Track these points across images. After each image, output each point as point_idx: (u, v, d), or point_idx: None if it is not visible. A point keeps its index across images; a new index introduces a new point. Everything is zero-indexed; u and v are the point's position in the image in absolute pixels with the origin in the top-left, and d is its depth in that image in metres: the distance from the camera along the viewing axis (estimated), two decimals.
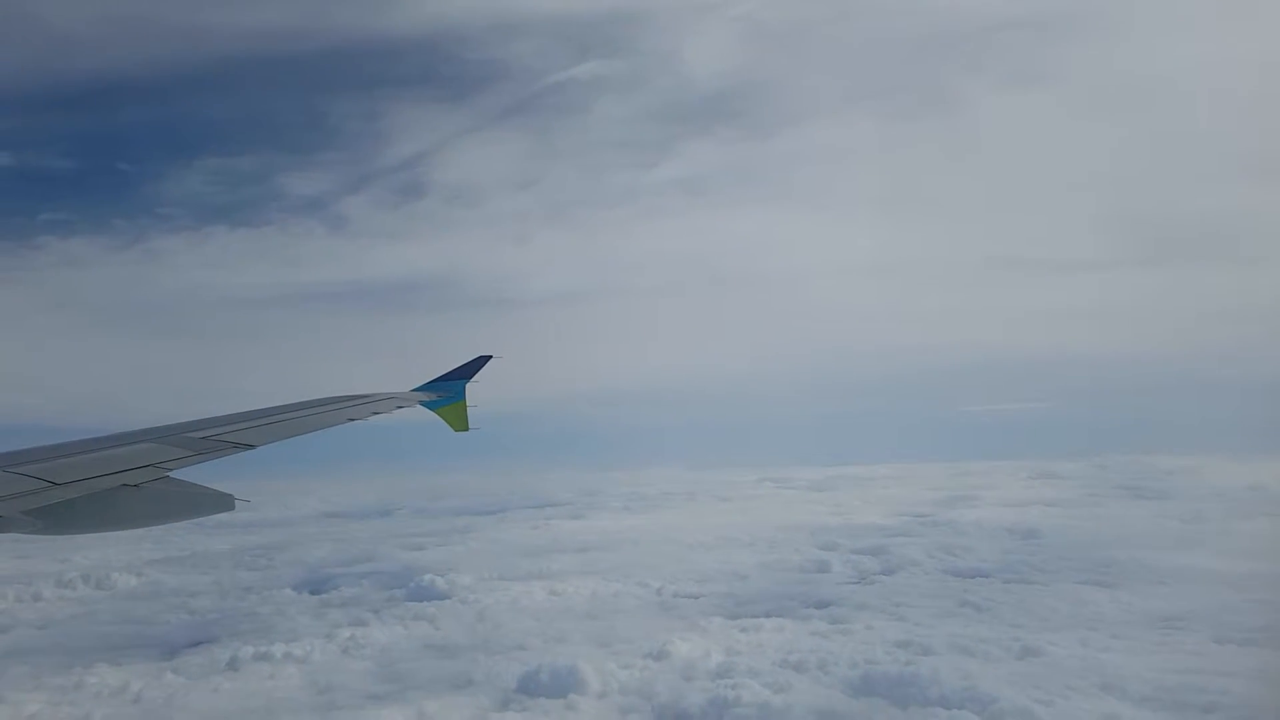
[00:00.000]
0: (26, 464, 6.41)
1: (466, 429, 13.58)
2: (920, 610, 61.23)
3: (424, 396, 13.14)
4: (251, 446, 7.74)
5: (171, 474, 6.65)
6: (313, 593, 78.10)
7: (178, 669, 54.82)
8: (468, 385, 13.85)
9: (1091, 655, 48.43)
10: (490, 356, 14.16)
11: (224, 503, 6.52)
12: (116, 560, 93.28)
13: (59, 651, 61.01)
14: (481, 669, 52.04)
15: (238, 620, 69.21)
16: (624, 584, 75.50)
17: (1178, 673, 45.30)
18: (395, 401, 11.60)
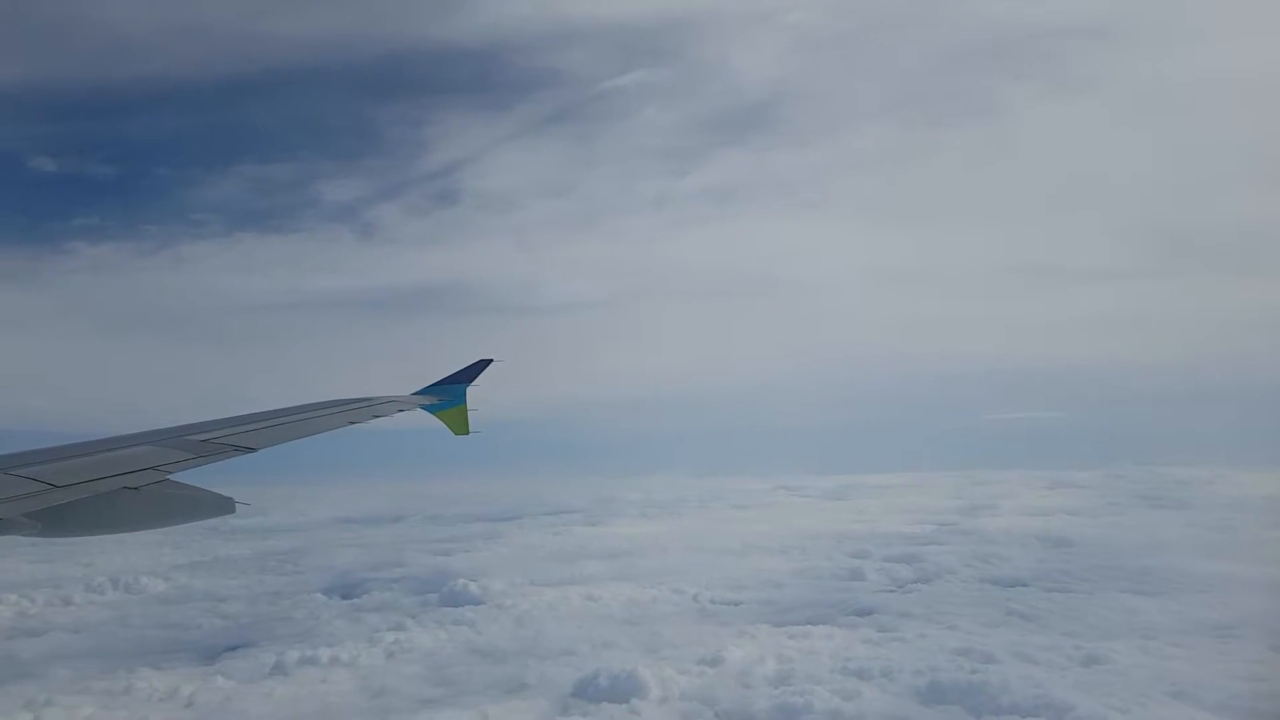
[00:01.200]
0: (27, 466, 6.32)
1: (467, 432, 13.47)
2: (967, 619, 60.84)
3: (425, 400, 13.04)
4: (252, 449, 7.66)
5: (172, 477, 6.56)
6: (343, 597, 77.67)
7: (221, 673, 54.32)
8: (469, 389, 13.74)
9: (1156, 663, 48.03)
10: (491, 360, 14.05)
11: (224, 505, 6.47)
12: (140, 565, 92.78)
13: (98, 655, 60.55)
14: (533, 674, 51.61)
15: (273, 624, 68.74)
16: (659, 590, 75.04)
17: (1245, 680, 44.92)
18: (396, 405, 11.50)
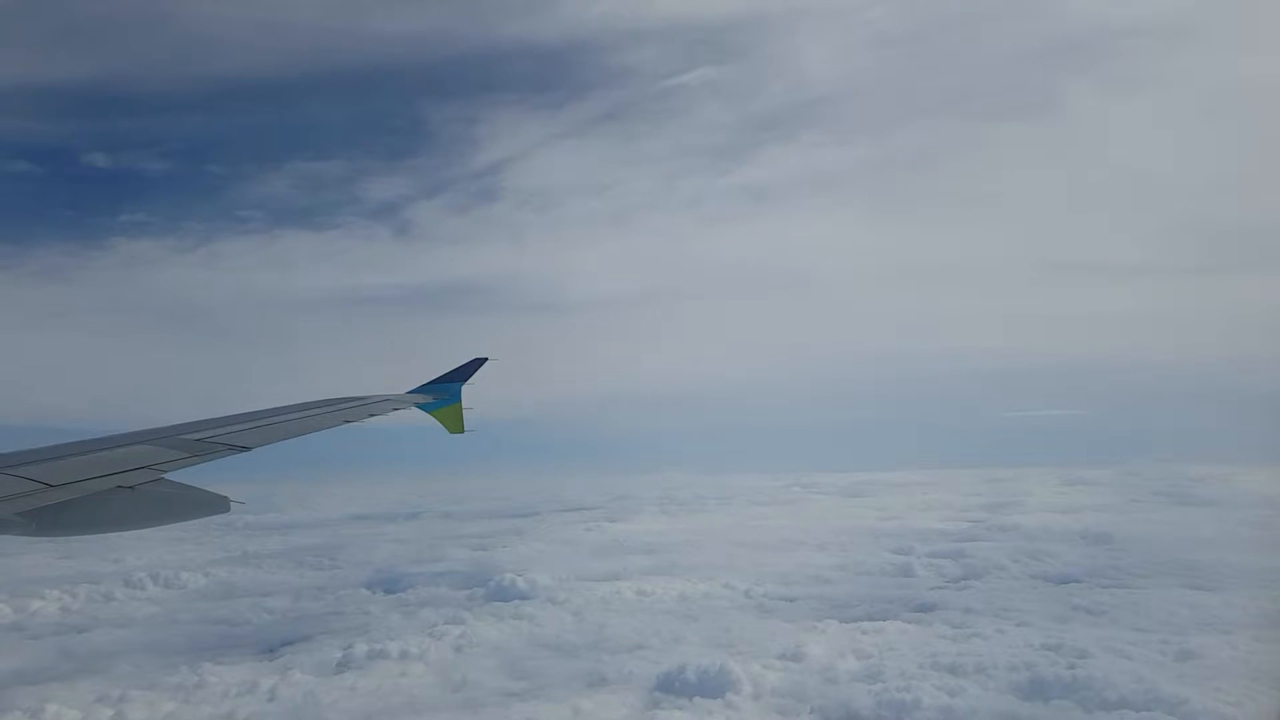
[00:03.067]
0: (22, 466, 6.33)
1: (462, 430, 13.50)
2: (1035, 614, 60.44)
3: (420, 398, 13.10)
4: (247, 448, 7.70)
5: (167, 476, 6.59)
6: (387, 592, 77.08)
7: (286, 667, 53.63)
8: (464, 387, 13.77)
9: (1248, 658, 47.59)
10: (485, 359, 14.05)
11: (219, 504, 6.46)
12: (167, 560, 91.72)
13: (153, 650, 59.86)
14: (609, 667, 51.11)
15: (325, 619, 68.05)
16: (709, 585, 74.52)
17: None
18: (391, 403, 11.56)
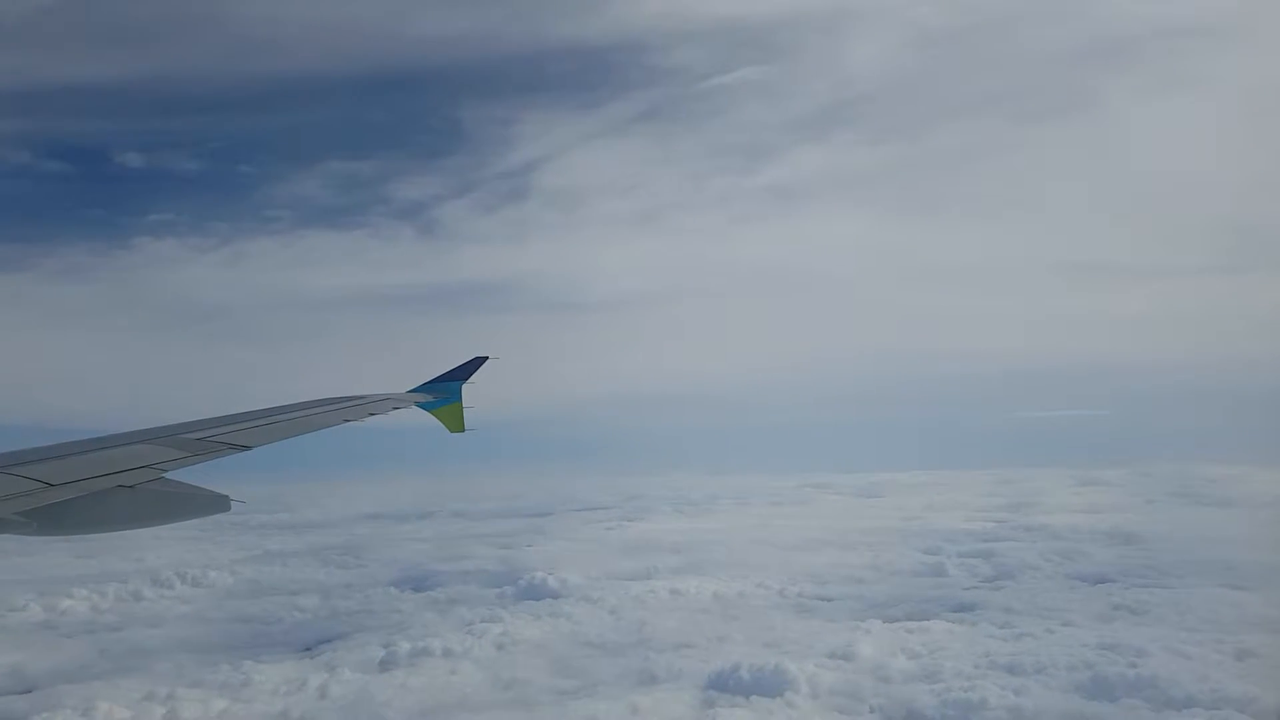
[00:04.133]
0: (22, 465, 6.37)
1: (463, 429, 13.56)
2: (1076, 614, 60.09)
3: (420, 398, 13.16)
4: (247, 448, 7.76)
5: (167, 475, 6.62)
6: (415, 590, 76.79)
7: (333, 664, 53.30)
8: (465, 386, 13.78)
9: None
10: (486, 358, 14.02)
11: (219, 504, 6.47)
12: (187, 560, 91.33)
13: (190, 648, 59.58)
14: (657, 666, 50.83)
15: (358, 617, 67.80)
16: (743, 585, 74.18)
17: None
18: (391, 402, 11.60)
